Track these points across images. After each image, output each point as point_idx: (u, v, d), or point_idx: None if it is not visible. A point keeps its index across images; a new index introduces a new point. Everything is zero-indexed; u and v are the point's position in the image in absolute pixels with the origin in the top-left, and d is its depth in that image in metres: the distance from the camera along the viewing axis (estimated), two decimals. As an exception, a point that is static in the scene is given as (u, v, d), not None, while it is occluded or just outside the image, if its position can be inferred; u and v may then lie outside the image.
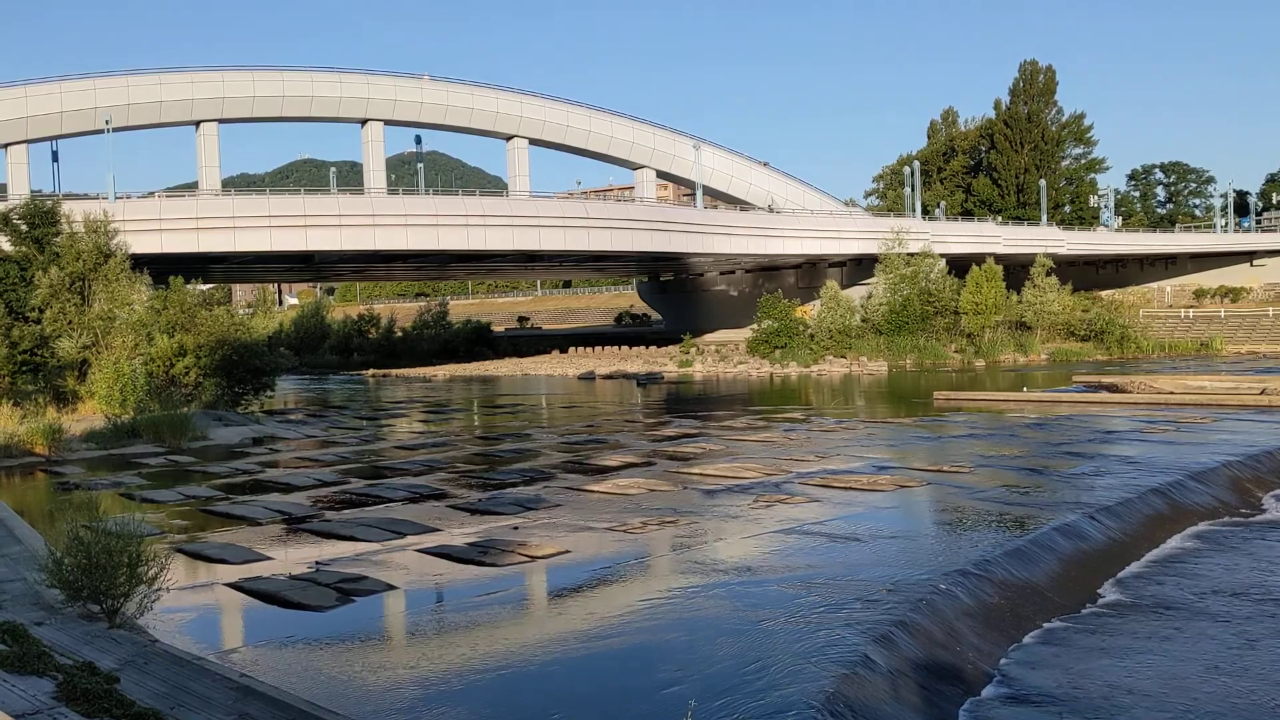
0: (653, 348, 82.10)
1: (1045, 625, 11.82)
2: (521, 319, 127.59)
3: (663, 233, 64.20)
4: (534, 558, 13.80)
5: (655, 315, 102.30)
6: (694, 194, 77.42)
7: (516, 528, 15.84)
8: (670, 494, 18.81)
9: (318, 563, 13.82)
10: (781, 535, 15.00)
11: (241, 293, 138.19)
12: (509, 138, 70.74)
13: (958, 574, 12.40)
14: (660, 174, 78.53)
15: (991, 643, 11.02)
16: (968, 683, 9.96)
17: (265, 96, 60.94)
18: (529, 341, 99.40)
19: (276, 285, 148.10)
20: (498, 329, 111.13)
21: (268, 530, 16.33)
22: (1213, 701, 9.39)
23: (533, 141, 71.49)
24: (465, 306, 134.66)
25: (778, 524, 15.77)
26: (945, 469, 20.90)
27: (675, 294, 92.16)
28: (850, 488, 18.92)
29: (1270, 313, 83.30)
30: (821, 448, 25.17)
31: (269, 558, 14.22)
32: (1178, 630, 11.54)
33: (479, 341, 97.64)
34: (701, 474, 21.10)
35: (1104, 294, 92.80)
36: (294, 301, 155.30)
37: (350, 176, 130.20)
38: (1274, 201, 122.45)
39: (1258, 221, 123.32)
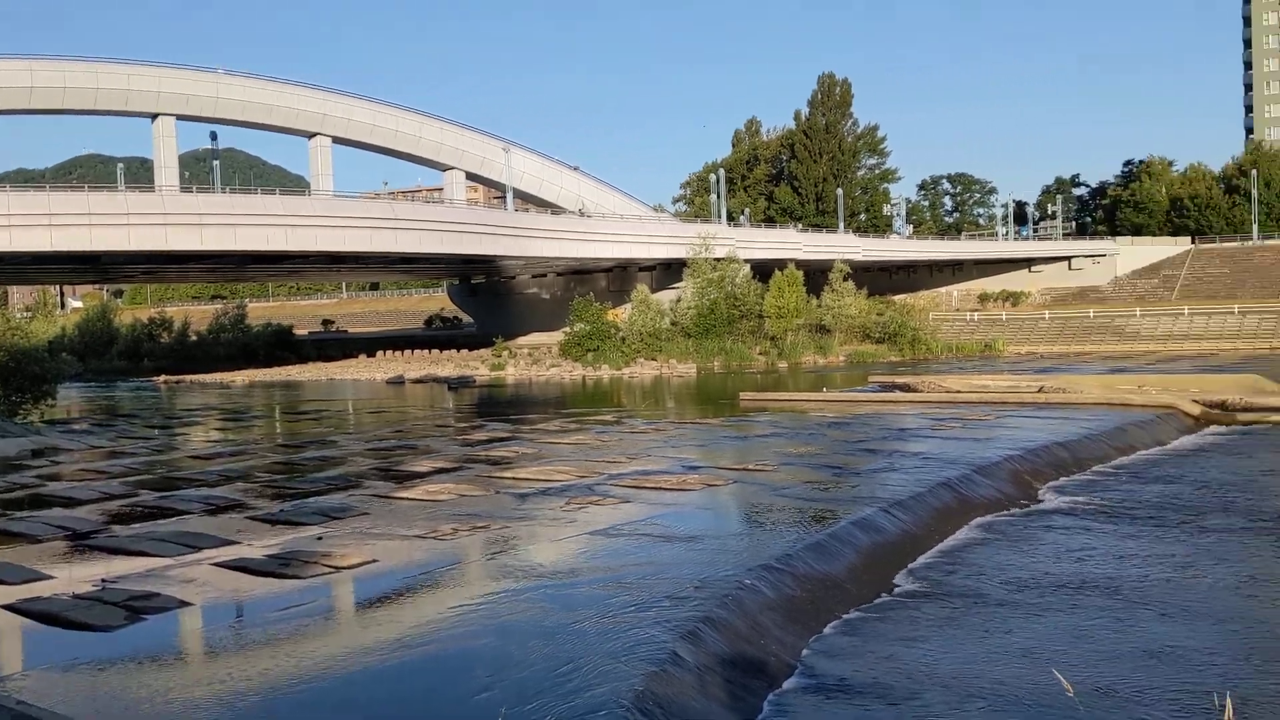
0: (464, 351, 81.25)
1: (844, 616, 12.31)
2: (326, 322, 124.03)
3: (474, 235, 63.65)
4: (339, 568, 13.42)
5: (467, 318, 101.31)
6: (504, 197, 77.12)
7: (320, 538, 15.38)
8: (482, 499, 18.66)
9: (104, 580, 13.04)
10: (594, 537, 15.10)
11: (19, 295, 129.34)
12: (312, 135, 68.71)
13: (762, 569, 12.77)
14: (470, 176, 77.88)
15: (794, 635, 11.39)
16: (772, 675, 10.27)
17: (45, 88, 57.23)
18: (334, 345, 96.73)
19: (59, 287, 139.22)
20: (300, 332, 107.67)
21: (49, 547, 15.32)
22: (998, 681, 9.98)
23: (337, 140, 69.68)
24: (265, 309, 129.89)
25: (590, 526, 15.86)
26: (751, 468, 21.48)
27: (487, 297, 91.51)
28: (661, 488, 19.21)
29: (1046, 316, 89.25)
30: (633, 449, 25.46)
31: (50, 576, 13.33)
32: (966, 616, 12.22)
33: (280, 345, 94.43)
34: (514, 478, 21.01)
35: (897, 298, 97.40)
36: (78, 305, 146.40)
37: (141, 173, 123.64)
38: (1049, 212, 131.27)
39: (1035, 230, 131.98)
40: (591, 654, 9.69)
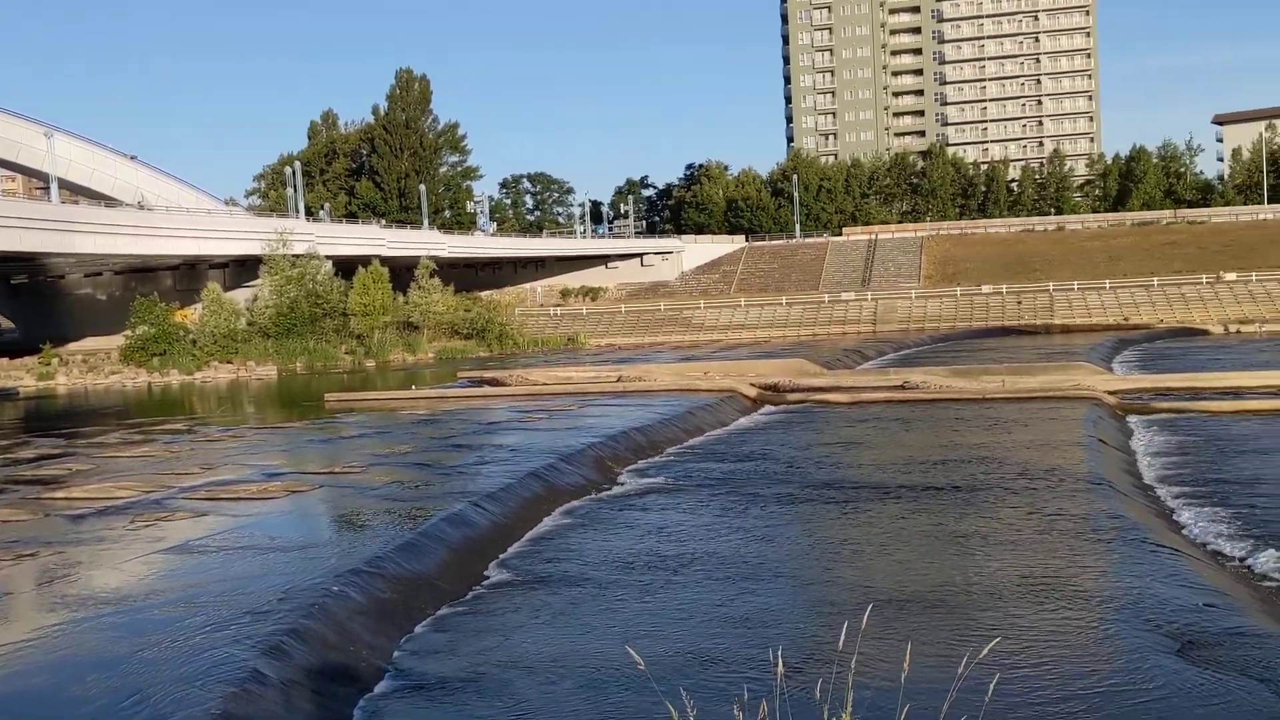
0: (4, 360, 72.34)
1: (436, 613, 12.25)
2: None
3: (11, 230, 56.71)
4: None
5: (7, 323, 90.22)
6: (48, 187, 69.47)
7: None
8: (30, 523, 16.68)
9: None
10: (166, 555, 13.98)
11: None
12: None
13: (350, 574, 12.42)
14: (5, 164, 69.38)
15: (385, 637, 11.18)
16: (363, 680, 10.02)
17: None
18: None
19: None
20: None
21: None
22: (585, 660, 10.36)
23: None
24: None
25: (161, 544, 14.67)
26: (338, 470, 20.87)
27: (30, 299, 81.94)
28: (240, 498, 18.15)
29: (623, 309, 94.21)
30: (208, 459, 23.88)
31: None
32: (554, 600, 12.59)
33: None
34: (68, 498, 18.98)
35: (484, 294, 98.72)
36: None
37: None
38: (622, 211, 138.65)
39: (610, 229, 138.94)
40: (162, 681, 8.95)
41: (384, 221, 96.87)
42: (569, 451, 21.87)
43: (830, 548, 15.08)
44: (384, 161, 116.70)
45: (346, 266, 75.96)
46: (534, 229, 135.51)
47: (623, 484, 20.47)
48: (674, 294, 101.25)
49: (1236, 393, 30.94)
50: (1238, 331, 68.33)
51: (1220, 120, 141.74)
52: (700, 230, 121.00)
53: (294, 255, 70.55)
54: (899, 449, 23.44)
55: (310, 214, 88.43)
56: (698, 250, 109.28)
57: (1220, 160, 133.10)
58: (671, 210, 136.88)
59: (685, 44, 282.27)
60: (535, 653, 10.66)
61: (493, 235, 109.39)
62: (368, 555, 13.35)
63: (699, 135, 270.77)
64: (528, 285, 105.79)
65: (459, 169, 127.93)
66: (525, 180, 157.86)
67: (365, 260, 75.11)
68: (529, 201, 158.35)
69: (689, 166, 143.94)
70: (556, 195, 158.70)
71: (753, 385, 35.21)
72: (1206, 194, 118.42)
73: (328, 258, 73.76)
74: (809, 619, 11.57)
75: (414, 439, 26.35)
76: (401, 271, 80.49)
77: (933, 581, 12.71)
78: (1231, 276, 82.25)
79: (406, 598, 12.36)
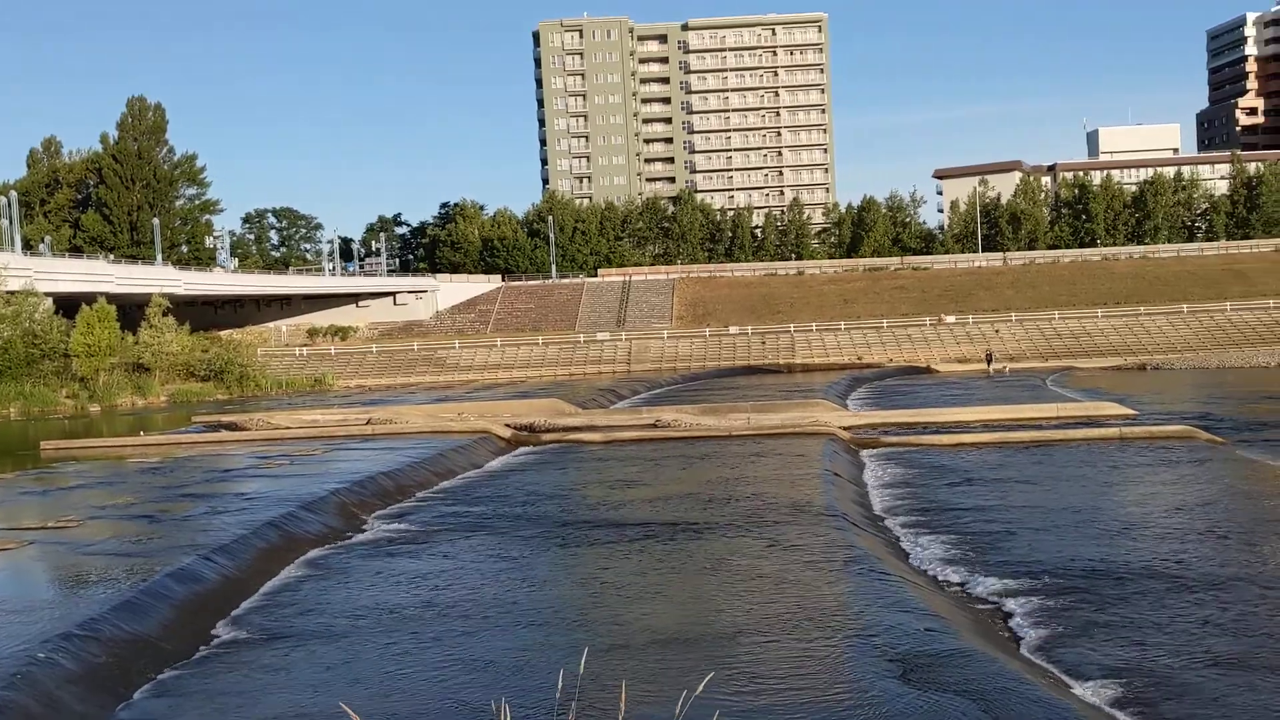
0: None
1: (157, 677, 11.38)
2: None
3: None
4: None
5: None
6: None
7: None
8: None
9: None
10: None
11: None
12: None
13: (60, 638, 11.38)
14: None
15: (98, 707, 10.29)
16: (69, 757, 9.16)
17: None
18: None
19: None
20: None
21: None
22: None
23: None
24: None
25: None
26: (53, 525, 19.18)
27: None
28: (-68, 560, 16.35)
29: (374, 349, 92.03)
30: (-104, 517, 21.43)
31: None
32: (288, 658, 11.96)
33: None
34: None
35: (224, 333, 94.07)
36: None
37: None
38: (374, 249, 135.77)
39: (361, 267, 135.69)
40: None
41: (113, 256, 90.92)
42: (311, 498, 20.98)
43: (580, 589, 15.08)
44: (113, 193, 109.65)
45: (69, 304, 70.61)
46: (279, 265, 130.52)
47: (369, 531, 19.82)
48: (428, 334, 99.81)
49: (957, 427, 33.33)
50: (1002, 370, 73.72)
51: (940, 175, 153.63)
52: (456, 269, 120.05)
53: (9, 292, 65.00)
54: (651, 487, 23.82)
55: (29, 247, 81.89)
56: (453, 289, 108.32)
57: (940, 211, 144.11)
58: (426, 249, 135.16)
59: (440, 82, 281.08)
60: (260, 715, 10.07)
61: (234, 272, 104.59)
62: (82, 617, 12.27)
63: (454, 174, 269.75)
64: (272, 324, 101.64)
65: (197, 202, 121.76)
66: (270, 215, 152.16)
67: (90, 298, 70.08)
68: (274, 237, 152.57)
69: (444, 205, 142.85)
70: (304, 231, 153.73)
71: (507, 426, 35.03)
72: (929, 242, 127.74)
73: (47, 294, 68.35)
74: (550, 662, 11.48)
75: (142, 489, 24.62)
76: (133, 310, 75.64)
77: (676, 618, 12.92)
78: (951, 319, 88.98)
79: (125, 662, 11.43)
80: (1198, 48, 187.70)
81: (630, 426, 35.41)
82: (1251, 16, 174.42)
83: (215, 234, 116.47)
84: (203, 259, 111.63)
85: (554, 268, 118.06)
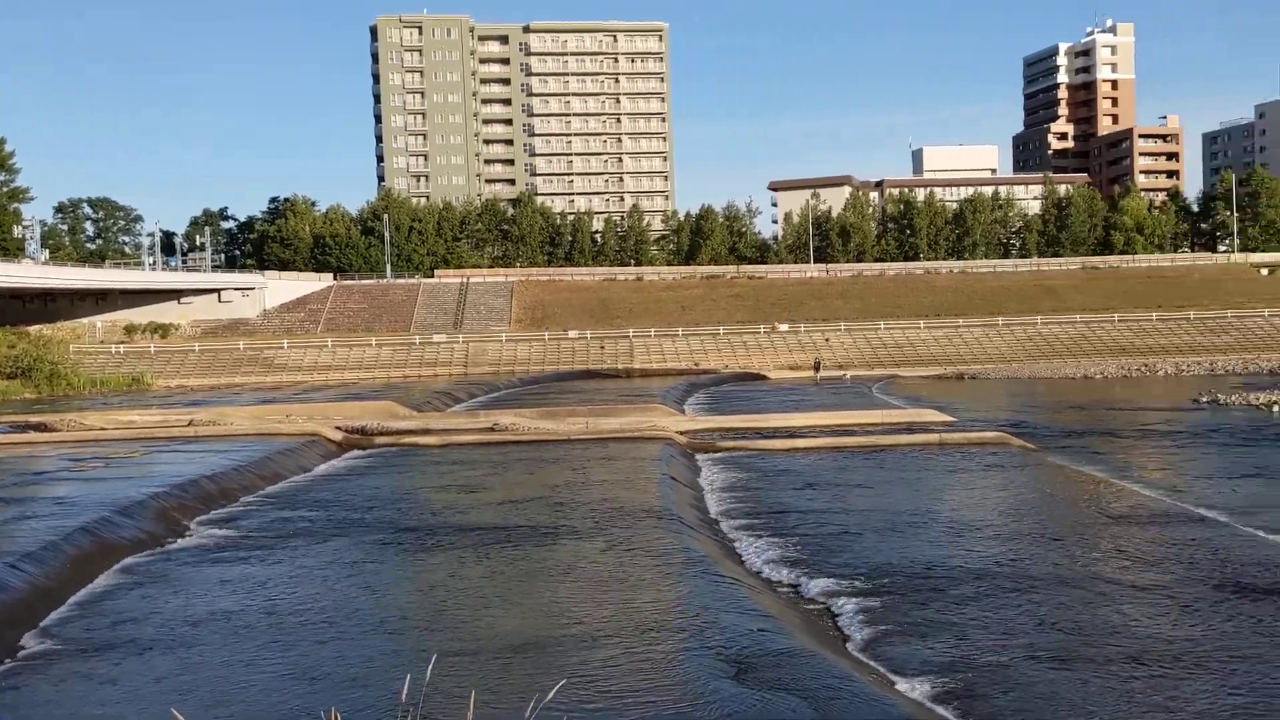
0: None
1: (-44, 695, 10.64)
2: None
3: None
4: None
5: None
6: None
7: None
8: None
9: None
10: None
11: None
12: None
13: None
14: None
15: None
16: None
17: None
18: None
19: None
20: None
21: None
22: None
23: None
24: None
25: None
26: None
27: None
28: None
29: (197, 348, 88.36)
30: None
31: None
32: (101, 669, 11.35)
33: None
34: None
35: (33, 329, 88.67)
36: None
37: None
38: (198, 244, 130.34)
39: (184, 262, 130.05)
40: None
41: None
42: (128, 502, 19.96)
43: (420, 595, 14.83)
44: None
45: None
46: (95, 258, 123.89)
47: (192, 536, 19.00)
48: (255, 332, 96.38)
49: (789, 433, 34.21)
50: (843, 378, 75.72)
51: (774, 187, 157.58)
52: (285, 267, 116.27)
53: None
54: (490, 491, 23.62)
55: None
56: (282, 287, 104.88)
57: (775, 222, 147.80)
58: (254, 245, 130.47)
59: (273, 73, 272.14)
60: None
61: (45, 264, 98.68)
62: None
63: (285, 169, 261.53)
64: (86, 320, 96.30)
65: (5, 189, 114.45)
66: (86, 205, 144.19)
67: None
68: (90, 229, 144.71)
69: (274, 200, 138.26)
70: (122, 223, 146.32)
71: (338, 428, 34.16)
72: (764, 252, 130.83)
73: None
74: (382, 670, 11.24)
75: (-62, 493, 22.95)
76: (-71, 302, 70.55)
77: (516, 623, 12.83)
78: (784, 327, 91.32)
79: (-83, 680, 10.64)
80: (1016, 74, 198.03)
81: (467, 430, 35.04)
82: (1064, 46, 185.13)
83: (25, 223, 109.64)
84: (10, 249, 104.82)
85: (389, 267, 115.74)
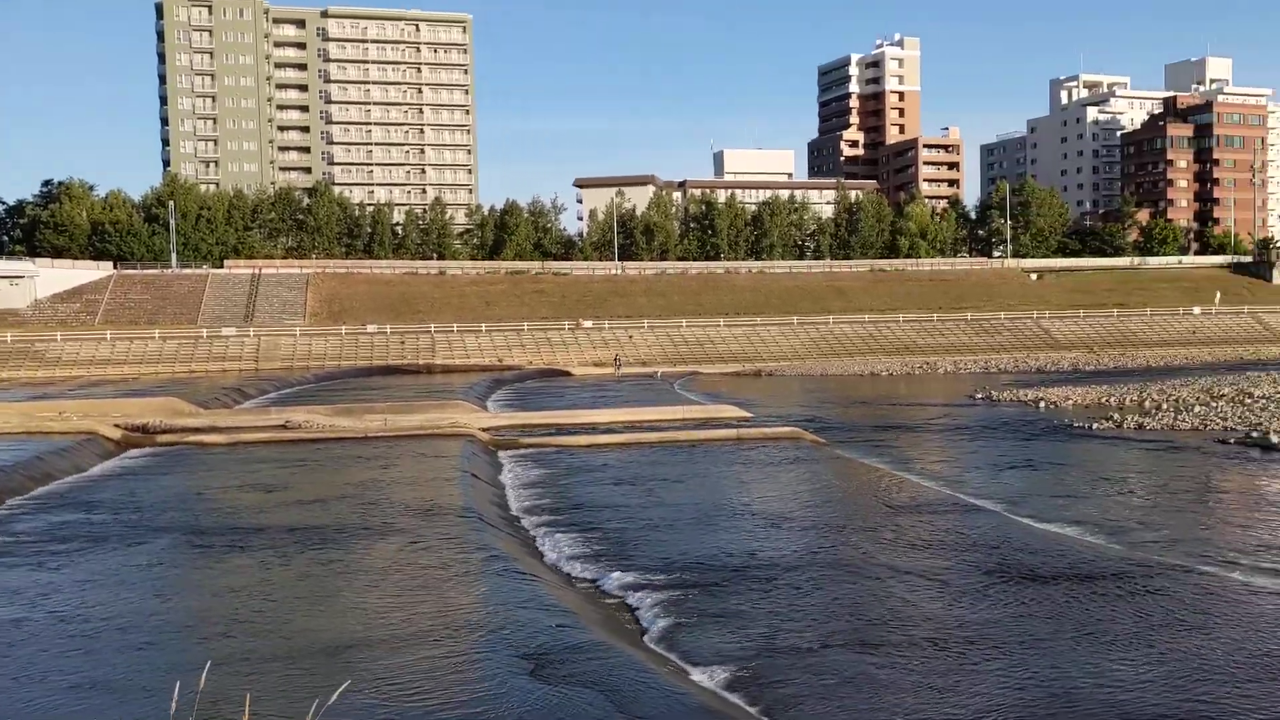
0: None
1: None
2: None
3: None
4: None
5: None
6: None
7: None
8: None
9: None
10: None
11: None
12: None
13: None
14: None
15: None
16: None
17: None
18: None
19: None
20: None
21: None
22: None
23: None
24: None
25: None
26: None
27: None
28: None
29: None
30: None
31: None
32: None
33: None
34: None
35: None
36: None
37: None
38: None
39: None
40: None
41: None
42: (-126, 509, 18.31)
43: (207, 599, 14.17)
44: None
45: None
46: None
47: (-53, 544, 17.55)
48: (26, 324, 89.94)
49: (593, 429, 34.43)
50: (654, 374, 76.26)
51: (580, 184, 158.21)
52: (59, 254, 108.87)
53: None
54: (281, 492, 22.78)
55: None
56: (56, 276, 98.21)
57: (581, 219, 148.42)
58: (24, 230, 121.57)
59: (50, 50, 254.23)
60: None
61: None
62: None
63: (61, 149, 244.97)
64: None
65: None
66: None
67: None
68: None
69: (46, 183, 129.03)
70: None
71: (117, 426, 32.28)
72: (570, 249, 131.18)
73: None
74: (170, 678, 10.70)
75: None
76: None
77: (307, 627, 12.44)
78: (589, 324, 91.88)
79: None
80: (812, 82, 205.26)
81: (258, 428, 33.74)
82: (855, 57, 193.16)
83: None
84: None
85: (175, 257, 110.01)
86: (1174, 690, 10.63)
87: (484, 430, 33.01)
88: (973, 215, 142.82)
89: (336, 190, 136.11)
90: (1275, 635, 12.44)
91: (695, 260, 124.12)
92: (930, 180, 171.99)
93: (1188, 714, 10.05)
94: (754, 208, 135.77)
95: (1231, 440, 29.86)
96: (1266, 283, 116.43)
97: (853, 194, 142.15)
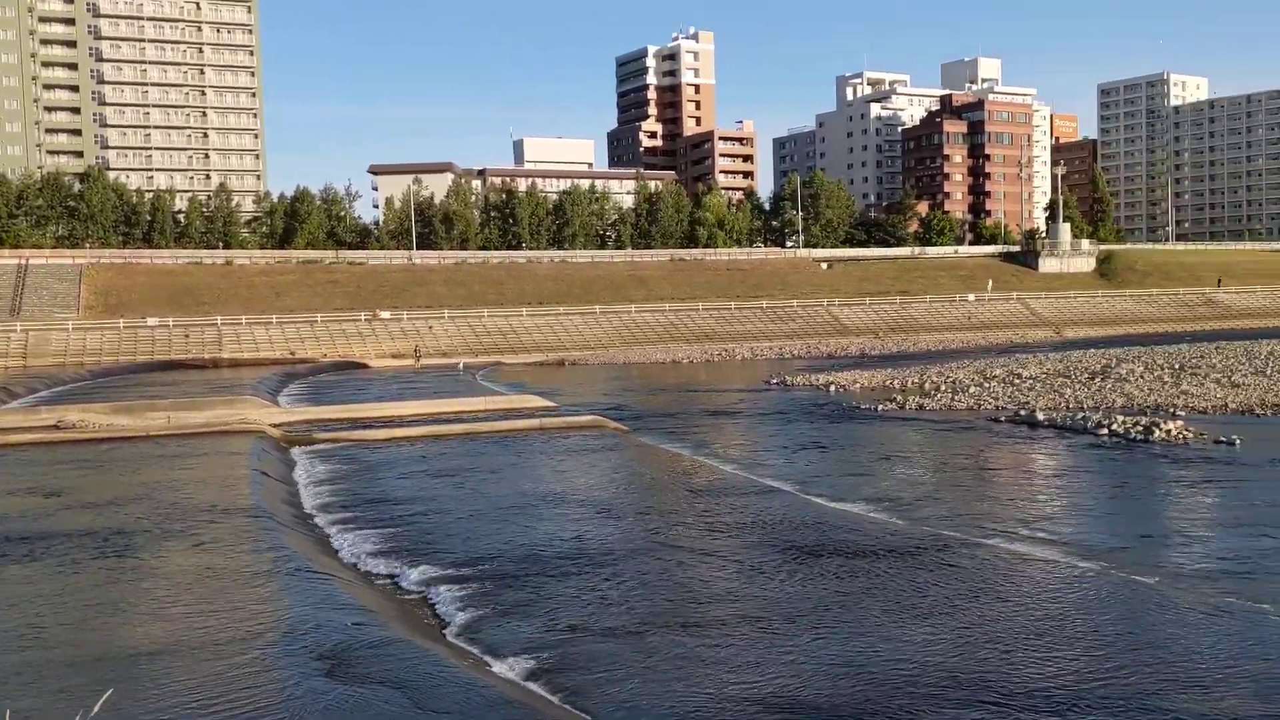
0: None
1: None
2: None
3: None
4: None
5: None
6: None
7: None
8: None
9: None
10: None
11: None
12: None
13: None
14: None
15: None
16: None
17: None
18: None
19: None
20: None
21: None
22: None
23: None
24: None
25: None
26: None
27: None
28: None
29: None
30: None
31: None
32: None
33: None
34: None
35: None
36: None
37: None
38: None
39: None
40: None
41: None
42: None
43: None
44: None
45: None
46: None
47: None
48: None
49: (391, 422, 33.64)
50: (462, 367, 74.53)
51: (375, 171, 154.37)
52: None
53: None
54: (57, 497, 21.25)
55: None
56: None
57: (376, 207, 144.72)
58: None
59: None
60: None
61: None
62: None
63: None
64: None
65: None
66: None
67: None
68: None
69: None
70: None
71: None
72: (365, 238, 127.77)
73: None
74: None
75: None
76: None
77: (87, 634, 11.62)
78: (386, 314, 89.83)
79: None
80: (611, 73, 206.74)
81: (25, 429, 31.46)
82: (653, 49, 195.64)
83: None
84: None
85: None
86: (963, 652, 11.24)
87: (275, 426, 31.78)
88: (767, 207, 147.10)
89: (113, 175, 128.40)
90: (1046, 598, 13.32)
91: (497, 249, 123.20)
92: (726, 172, 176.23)
93: (977, 670, 10.66)
94: (555, 197, 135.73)
95: (1003, 419, 31.84)
96: (1033, 271, 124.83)
97: (652, 184, 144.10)
